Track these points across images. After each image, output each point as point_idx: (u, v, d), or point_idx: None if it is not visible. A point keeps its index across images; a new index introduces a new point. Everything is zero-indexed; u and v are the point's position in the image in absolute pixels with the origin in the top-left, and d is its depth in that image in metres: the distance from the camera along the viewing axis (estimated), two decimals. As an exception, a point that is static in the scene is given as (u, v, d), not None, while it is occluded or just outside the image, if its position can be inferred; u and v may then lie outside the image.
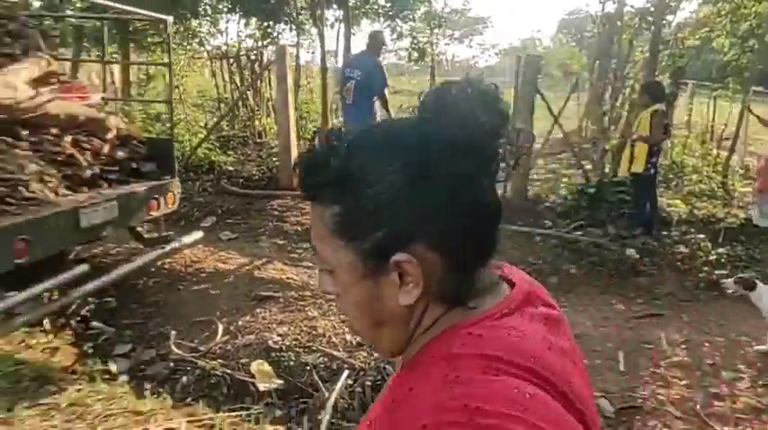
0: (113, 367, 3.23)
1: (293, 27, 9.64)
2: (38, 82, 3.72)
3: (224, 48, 10.15)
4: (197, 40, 10.63)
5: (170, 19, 4.37)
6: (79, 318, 3.76)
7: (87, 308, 3.85)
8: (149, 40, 9.96)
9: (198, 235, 4.33)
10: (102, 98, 4.29)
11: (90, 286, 3.37)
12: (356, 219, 0.62)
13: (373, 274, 0.63)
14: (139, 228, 4.20)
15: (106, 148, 3.86)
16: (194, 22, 10.17)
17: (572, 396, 0.62)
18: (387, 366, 3.15)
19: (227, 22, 12.17)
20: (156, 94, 10.31)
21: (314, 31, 10.22)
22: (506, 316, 0.64)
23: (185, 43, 10.56)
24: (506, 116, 0.64)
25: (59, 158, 3.52)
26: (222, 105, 9.85)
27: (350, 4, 8.70)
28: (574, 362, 0.70)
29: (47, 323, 3.49)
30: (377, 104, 5.53)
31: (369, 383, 2.99)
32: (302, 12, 9.46)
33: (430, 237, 0.61)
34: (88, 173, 3.61)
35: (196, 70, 12.41)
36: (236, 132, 8.67)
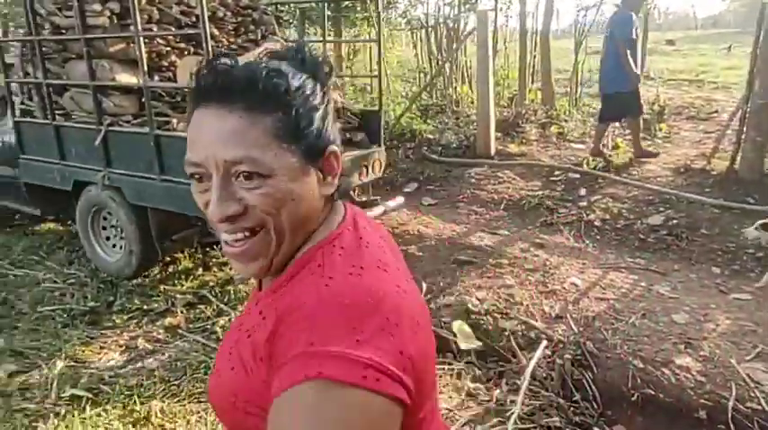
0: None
1: (492, -9, 9.45)
2: (276, 63, 4.30)
3: (423, 17, 10.40)
4: (399, 12, 11.06)
5: (382, -3, 4.65)
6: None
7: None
8: (356, 16, 10.66)
9: (400, 200, 4.69)
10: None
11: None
12: (296, 125, 0.74)
13: (307, 172, 0.77)
14: (351, 192, 4.67)
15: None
16: (396, -5, 10.61)
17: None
18: (587, 342, 3.08)
19: (427, -9, 12.38)
20: (361, 66, 11.02)
21: (513, -8, 9.88)
22: (354, 226, 0.81)
23: (386, 15, 11.08)
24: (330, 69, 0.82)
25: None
26: (420, 75, 10.15)
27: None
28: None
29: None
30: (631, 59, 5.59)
31: (569, 357, 2.97)
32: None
33: (334, 140, 0.81)
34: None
35: (395, 42, 12.96)
36: (434, 101, 8.89)
